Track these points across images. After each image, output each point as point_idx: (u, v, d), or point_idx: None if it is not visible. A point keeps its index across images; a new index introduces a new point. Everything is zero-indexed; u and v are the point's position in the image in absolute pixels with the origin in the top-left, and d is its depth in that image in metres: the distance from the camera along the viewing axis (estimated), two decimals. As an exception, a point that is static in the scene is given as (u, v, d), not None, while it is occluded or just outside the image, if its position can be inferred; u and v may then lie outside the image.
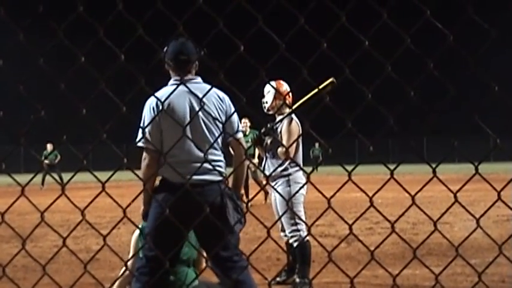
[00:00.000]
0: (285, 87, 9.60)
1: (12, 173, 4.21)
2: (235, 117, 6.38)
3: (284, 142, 9.10)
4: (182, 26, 3.35)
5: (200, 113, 6.11)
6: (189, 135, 6.03)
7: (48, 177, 35.74)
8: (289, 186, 9.10)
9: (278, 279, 9.49)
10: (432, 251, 11.61)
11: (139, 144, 6.14)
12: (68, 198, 3.59)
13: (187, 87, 5.12)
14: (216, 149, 6.24)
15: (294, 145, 9.12)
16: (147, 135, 6.10)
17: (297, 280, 9.12)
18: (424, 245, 11.55)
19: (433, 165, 3.53)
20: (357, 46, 3.42)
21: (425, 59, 3.45)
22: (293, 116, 9.27)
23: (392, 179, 3.35)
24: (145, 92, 3.49)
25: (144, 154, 6.18)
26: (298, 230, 9.05)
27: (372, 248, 3.51)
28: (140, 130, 6.12)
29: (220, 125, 6.23)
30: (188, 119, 6.05)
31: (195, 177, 5.89)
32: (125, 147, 54.45)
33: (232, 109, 6.32)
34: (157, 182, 6.29)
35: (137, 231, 7.29)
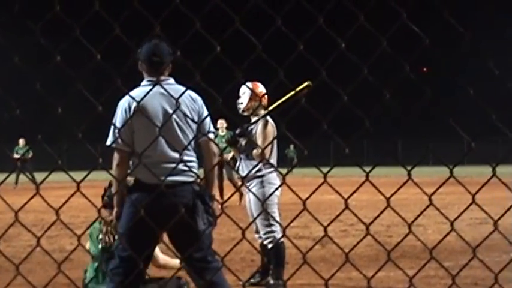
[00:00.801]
0: (260, 88, 9.56)
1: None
2: (207, 118, 6.38)
3: (259, 144, 9.09)
4: (159, 26, 3.35)
5: (177, 119, 6.12)
6: (162, 135, 5.99)
7: (21, 177, 35.53)
8: (263, 187, 9.10)
9: (252, 280, 9.48)
10: (406, 253, 11.66)
11: (110, 143, 6.15)
12: (42, 197, 3.57)
13: (162, 87, 5.14)
14: (188, 149, 6.26)
15: (269, 147, 9.12)
16: (118, 135, 6.09)
17: (271, 282, 9.12)
18: (398, 247, 11.46)
19: (408, 168, 3.55)
20: (333, 48, 3.43)
21: (402, 62, 3.46)
22: (268, 118, 9.26)
23: (367, 181, 3.37)
24: (121, 92, 3.48)
25: (115, 154, 6.19)
26: (272, 232, 9.05)
27: (346, 250, 3.52)
28: (111, 130, 6.13)
29: (193, 126, 6.25)
30: (161, 119, 6.07)
31: (168, 178, 5.89)
32: (100, 147, 54.20)
33: (205, 110, 6.35)
34: (131, 181, 6.31)
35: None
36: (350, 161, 10.63)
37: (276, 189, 8.82)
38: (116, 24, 3.32)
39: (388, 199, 3.36)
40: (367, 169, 3.46)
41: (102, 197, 7.78)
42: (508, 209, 3.89)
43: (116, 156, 6.18)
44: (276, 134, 9.28)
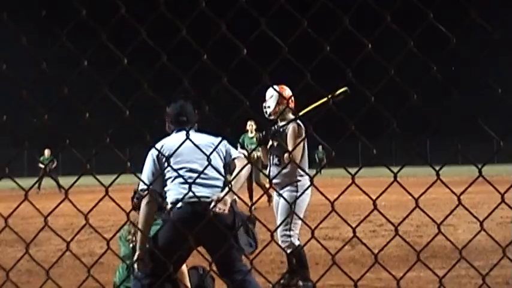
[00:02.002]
0: (287, 91, 9.44)
1: (16, 177, 4.21)
2: (231, 149, 7.06)
3: (290, 147, 9.06)
4: (185, 29, 3.35)
5: (203, 146, 6.46)
6: (190, 161, 6.67)
7: (47, 182, 35.77)
8: (297, 191, 9.07)
9: (282, 281, 9.47)
10: (436, 253, 11.60)
11: (143, 187, 6.85)
12: (71, 202, 3.59)
13: (191, 141, 5.40)
14: (221, 174, 6.70)
15: (300, 151, 9.10)
16: (150, 179, 6.65)
17: (300, 283, 9.12)
18: (428, 247, 11.52)
19: (437, 168, 3.52)
20: (360, 49, 3.42)
21: (428, 62, 3.44)
22: (298, 121, 9.21)
23: (395, 181, 3.35)
24: (148, 96, 3.49)
25: (146, 196, 6.67)
26: (289, 236, 9.12)
27: (376, 251, 3.51)
28: (143, 176, 6.69)
29: (221, 161, 6.88)
30: (187, 150, 6.39)
31: (209, 193, 6.41)
32: (128, 151, 54.54)
33: (227, 144, 7.01)
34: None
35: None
36: (378, 162, 10.60)
37: (303, 192, 8.83)
38: (142, 29, 3.33)
39: (416, 199, 3.34)
40: (396, 169, 3.45)
41: (132, 198, 7.83)
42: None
43: (146, 199, 6.64)
44: (303, 135, 9.23)
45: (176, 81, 3.57)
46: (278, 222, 9.25)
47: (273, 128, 9.35)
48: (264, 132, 9.36)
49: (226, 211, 6.29)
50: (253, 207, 3.66)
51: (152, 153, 6.72)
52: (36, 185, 34.35)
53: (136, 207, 7.60)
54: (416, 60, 3.74)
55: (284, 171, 9.12)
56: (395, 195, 16.29)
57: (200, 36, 3.38)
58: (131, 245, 7.88)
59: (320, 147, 55.28)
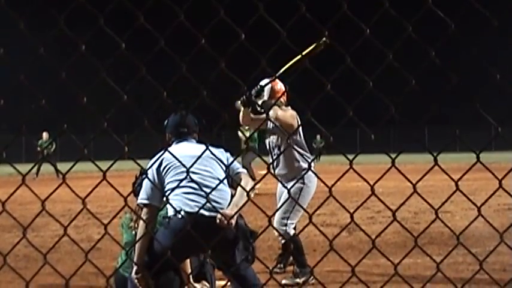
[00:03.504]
0: (279, 85, 9.46)
1: (14, 163, 4.21)
2: (235, 163, 7.09)
3: (284, 125, 9.09)
4: (183, 14, 3.35)
5: (204, 159, 6.40)
6: (195, 174, 6.51)
7: (45, 168, 35.65)
8: (304, 183, 9.16)
9: (277, 270, 9.53)
10: (433, 240, 11.64)
11: (143, 202, 6.59)
12: (69, 187, 3.58)
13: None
14: (225, 185, 6.68)
15: (298, 135, 9.19)
16: (150, 192, 6.57)
17: (297, 270, 9.15)
18: (426, 234, 11.54)
19: (434, 154, 3.52)
20: (358, 34, 3.41)
21: (427, 48, 3.44)
22: (289, 108, 9.30)
23: (394, 167, 3.35)
24: (146, 81, 3.48)
25: (145, 210, 6.57)
26: (285, 225, 9.26)
27: (374, 237, 3.51)
28: (144, 188, 6.65)
29: (223, 172, 6.75)
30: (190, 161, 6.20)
31: (210, 205, 6.21)
32: (126, 137, 54.48)
33: (229, 156, 6.91)
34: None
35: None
36: (377, 148, 10.61)
37: (297, 181, 8.92)
38: (139, 13, 3.32)
39: (414, 185, 3.34)
40: (394, 156, 3.45)
41: (133, 184, 7.83)
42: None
43: (145, 214, 6.54)
44: (299, 122, 9.27)
45: (174, 67, 3.56)
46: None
47: (254, 88, 9.21)
48: (247, 94, 9.16)
49: (233, 225, 6.31)
50: (253, 193, 3.66)
51: (153, 165, 6.70)
52: (34, 170, 34.18)
53: (136, 194, 7.63)
54: (415, 46, 3.73)
55: (289, 162, 9.20)
56: (393, 182, 16.27)
57: (198, 22, 3.37)
58: (133, 232, 7.91)
59: (318, 136, 55.30)
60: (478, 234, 11.53)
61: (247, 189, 6.51)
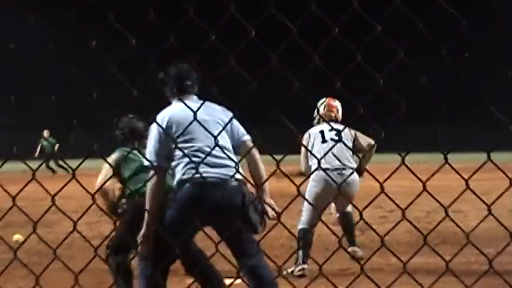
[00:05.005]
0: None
1: (27, 160, 4.23)
2: (240, 128, 6.63)
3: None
4: (192, 11, 3.34)
5: (208, 120, 6.21)
6: (201, 139, 6.29)
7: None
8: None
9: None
10: (447, 239, 11.62)
11: (152, 162, 6.33)
12: (79, 183, 3.59)
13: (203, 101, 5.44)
14: (230, 150, 6.41)
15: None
16: (156, 153, 6.34)
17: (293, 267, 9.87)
18: (439, 233, 11.53)
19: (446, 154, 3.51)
20: (369, 31, 3.40)
21: (439, 45, 3.42)
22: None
23: (404, 166, 3.34)
24: (155, 77, 3.48)
25: (154, 173, 6.34)
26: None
27: (386, 236, 3.50)
28: (150, 149, 6.40)
29: (229, 133, 6.49)
30: (196, 125, 6.03)
31: (217, 174, 6.16)
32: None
33: (235, 122, 6.56)
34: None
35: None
36: (389, 148, 10.62)
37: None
38: (149, 9, 3.32)
39: (424, 183, 3.33)
40: (410, 156, 3.45)
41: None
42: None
43: (154, 176, 6.33)
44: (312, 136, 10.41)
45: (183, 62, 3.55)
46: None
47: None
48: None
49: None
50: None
51: (158, 124, 6.33)
52: (47, 167, 34.10)
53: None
54: (427, 45, 3.71)
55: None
56: (407, 182, 16.18)
57: (207, 19, 3.36)
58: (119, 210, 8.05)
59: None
60: (491, 235, 11.45)
61: (260, 161, 6.51)
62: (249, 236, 6.40)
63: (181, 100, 6.22)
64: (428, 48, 3.53)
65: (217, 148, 6.08)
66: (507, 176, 3.52)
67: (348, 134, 10.24)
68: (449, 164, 3.39)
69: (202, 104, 5.38)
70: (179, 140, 6.23)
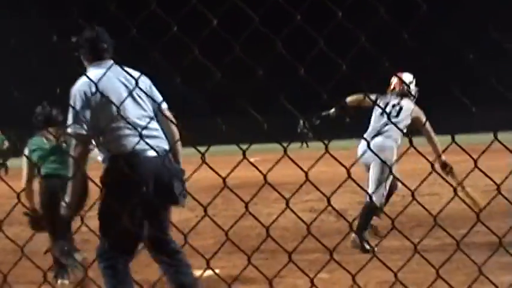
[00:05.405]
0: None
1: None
2: (157, 93, 6.48)
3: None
4: (155, 2, 3.33)
5: (135, 99, 6.16)
6: (129, 110, 6.08)
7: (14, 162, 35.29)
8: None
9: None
10: (422, 223, 11.68)
11: (74, 130, 6.06)
12: (6, 183, 3.59)
13: (122, 68, 5.35)
14: (154, 120, 6.29)
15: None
16: (80, 121, 6.04)
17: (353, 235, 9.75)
18: (413, 217, 11.63)
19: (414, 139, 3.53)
20: (331, 17, 3.39)
21: (400, 30, 3.43)
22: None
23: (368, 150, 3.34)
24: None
25: (77, 142, 6.10)
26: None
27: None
28: (72, 116, 6.09)
29: (149, 102, 6.31)
30: (123, 95, 5.96)
31: (144, 147, 5.80)
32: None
33: (153, 87, 6.45)
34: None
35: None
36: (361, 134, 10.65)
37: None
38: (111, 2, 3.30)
39: (390, 167, 3.34)
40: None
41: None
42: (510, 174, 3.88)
43: (77, 142, 6.09)
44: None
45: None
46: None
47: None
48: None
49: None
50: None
51: (81, 90, 6.03)
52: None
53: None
54: (388, 30, 3.71)
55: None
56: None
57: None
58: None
59: (301, 120, 55.28)
60: (465, 216, 11.51)
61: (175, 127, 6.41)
62: (169, 213, 6.40)
63: (100, 64, 6.20)
64: (390, 34, 3.53)
65: (146, 119, 6.09)
66: (472, 158, 3.55)
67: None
68: (415, 149, 3.41)
69: (127, 72, 5.43)
70: (106, 110, 6.01)
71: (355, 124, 9.85)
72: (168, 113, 6.46)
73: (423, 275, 7.07)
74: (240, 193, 3.72)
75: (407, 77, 10.99)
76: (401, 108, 10.38)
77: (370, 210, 9.72)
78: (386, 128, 9.93)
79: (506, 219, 10.31)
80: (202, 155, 3.28)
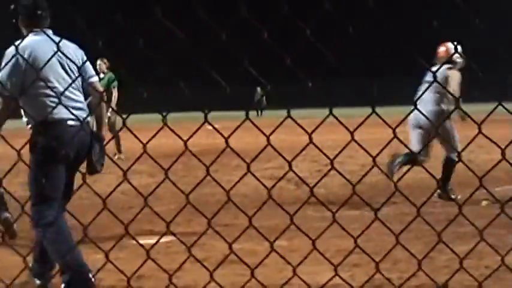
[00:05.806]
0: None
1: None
2: (90, 66, 6.72)
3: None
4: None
5: (63, 59, 6.32)
6: (57, 78, 6.29)
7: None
8: None
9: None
10: (382, 192, 11.72)
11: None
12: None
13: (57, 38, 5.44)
14: (80, 91, 6.52)
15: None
16: (6, 82, 6.20)
17: (438, 191, 10.47)
18: (372, 186, 11.69)
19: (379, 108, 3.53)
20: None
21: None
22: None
23: (336, 120, 3.35)
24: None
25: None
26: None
27: (321, 190, 3.53)
28: (4, 76, 6.22)
29: (82, 72, 6.50)
30: (52, 64, 6.16)
31: (68, 116, 6.14)
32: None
33: (83, 55, 6.62)
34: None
35: None
36: (324, 102, 10.64)
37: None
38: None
39: (352, 132, 3.35)
40: (344, 110, 3.46)
41: None
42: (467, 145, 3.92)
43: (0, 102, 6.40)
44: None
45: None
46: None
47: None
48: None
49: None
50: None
51: (11, 53, 6.15)
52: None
53: None
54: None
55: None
56: (342, 135, 16.36)
57: None
58: None
59: (258, 88, 55.40)
60: (424, 186, 11.62)
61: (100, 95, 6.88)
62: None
63: (37, 32, 6.33)
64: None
65: (74, 90, 6.36)
66: (390, 127, 3.58)
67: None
68: (378, 115, 3.41)
69: (60, 40, 5.35)
70: (33, 76, 6.03)
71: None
72: (98, 85, 6.79)
73: (382, 244, 7.11)
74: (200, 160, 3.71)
75: (450, 46, 11.71)
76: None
77: (451, 163, 10.93)
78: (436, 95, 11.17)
79: (465, 189, 10.38)
80: (164, 117, 3.26)
